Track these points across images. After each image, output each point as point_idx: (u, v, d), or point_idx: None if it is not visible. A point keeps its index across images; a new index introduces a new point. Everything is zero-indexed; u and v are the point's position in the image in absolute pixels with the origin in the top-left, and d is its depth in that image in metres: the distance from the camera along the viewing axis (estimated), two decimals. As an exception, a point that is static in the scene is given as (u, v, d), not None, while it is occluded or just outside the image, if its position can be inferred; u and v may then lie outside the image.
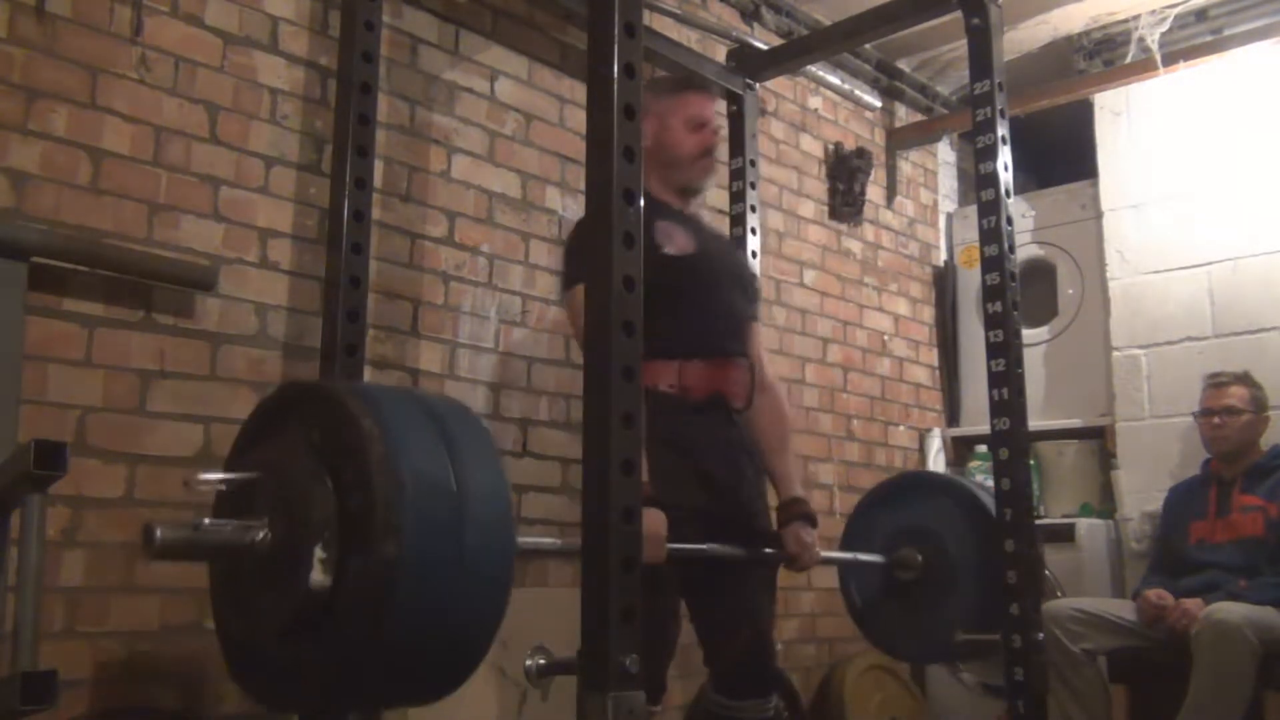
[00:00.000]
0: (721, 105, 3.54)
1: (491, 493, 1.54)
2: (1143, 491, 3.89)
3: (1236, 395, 3.39)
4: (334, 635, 1.46)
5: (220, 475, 1.63)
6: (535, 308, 3.07)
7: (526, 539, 1.76)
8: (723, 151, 3.55)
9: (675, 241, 2.29)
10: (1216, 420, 3.38)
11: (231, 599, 1.63)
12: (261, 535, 1.52)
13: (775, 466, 2.42)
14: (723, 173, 3.56)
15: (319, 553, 1.45)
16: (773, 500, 2.44)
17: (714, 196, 3.63)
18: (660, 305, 1.91)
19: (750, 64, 3.49)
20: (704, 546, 2.19)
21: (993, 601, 2.54)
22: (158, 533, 1.47)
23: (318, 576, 1.45)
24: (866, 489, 4.10)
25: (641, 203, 1.66)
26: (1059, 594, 3.61)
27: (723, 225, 3.54)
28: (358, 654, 1.45)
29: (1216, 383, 3.45)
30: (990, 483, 2.69)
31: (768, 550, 2.34)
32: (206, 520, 1.55)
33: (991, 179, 2.73)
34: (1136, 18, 4.05)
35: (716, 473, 2.27)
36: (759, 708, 2.31)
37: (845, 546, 2.85)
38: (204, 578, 2.28)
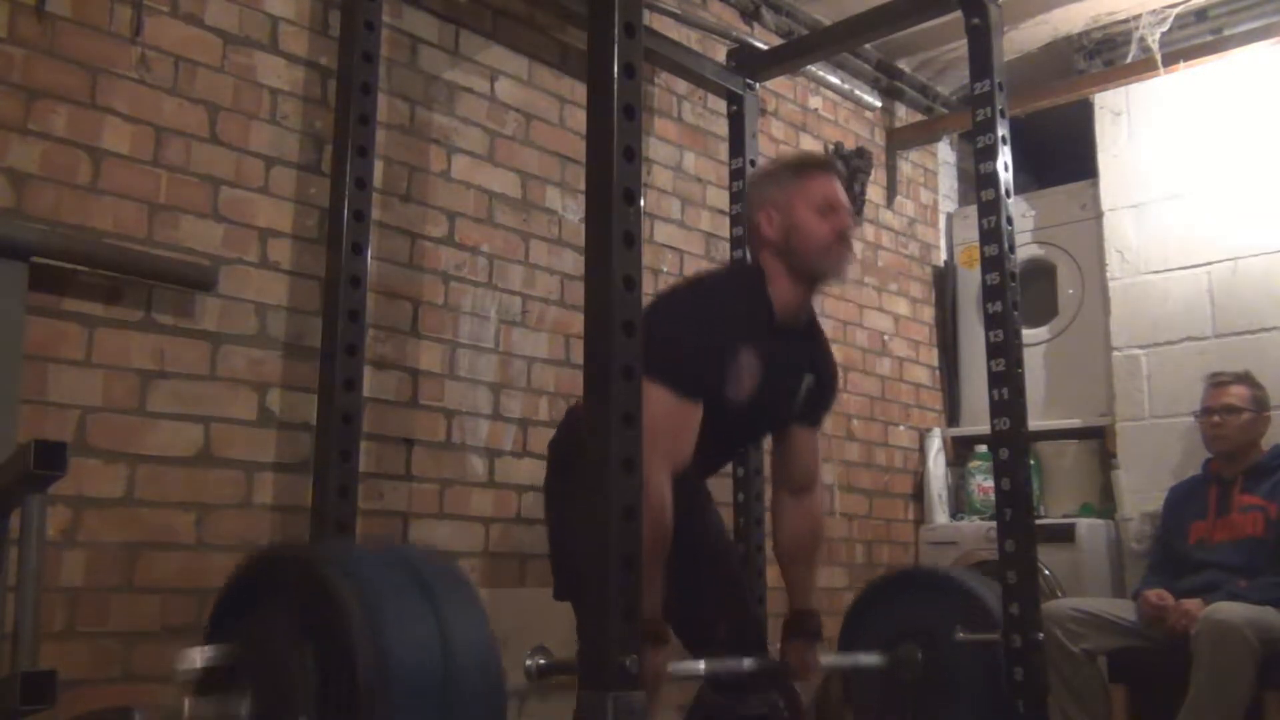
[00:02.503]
0: (721, 105, 3.56)
1: (478, 651, 1.51)
2: (1143, 491, 3.88)
3: (1237, 394, 3.38)
4: None
5: (201, 656, 1.57)
6: (535, 308, 3.07)
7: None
8: (722, 152, 3.57)
9: (742, 384, 2.16)
10: (1216, 419, 3.38)
11: None
12: (245, 713, 1.48)
13: (794, 574, 2.39)
14: (722, 173, 3.58)
15: None
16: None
17: (714, 196, 3.65)
18: None
19: (750, 64, 3.49)
20: (700, 665, 2.17)
21: (997, 700, 2.51)
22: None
23: None
24: (866, 489, 4.16)
25: (642, 202, 1.66)
26: (1059, 594, 3.61)
27: (722, 225, 3.55)
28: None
29: (1217, 382, 3.45)
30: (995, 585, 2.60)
31: (768, 664, 2.31)
32: (187, 703, 1.50)
33: (991, 179, 2.73)
34: (1137, 18, 4.05)
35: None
36: (759, 702, 2.30)
37: (845, 642, 2.79)
38: (204, 577, 2.30)
